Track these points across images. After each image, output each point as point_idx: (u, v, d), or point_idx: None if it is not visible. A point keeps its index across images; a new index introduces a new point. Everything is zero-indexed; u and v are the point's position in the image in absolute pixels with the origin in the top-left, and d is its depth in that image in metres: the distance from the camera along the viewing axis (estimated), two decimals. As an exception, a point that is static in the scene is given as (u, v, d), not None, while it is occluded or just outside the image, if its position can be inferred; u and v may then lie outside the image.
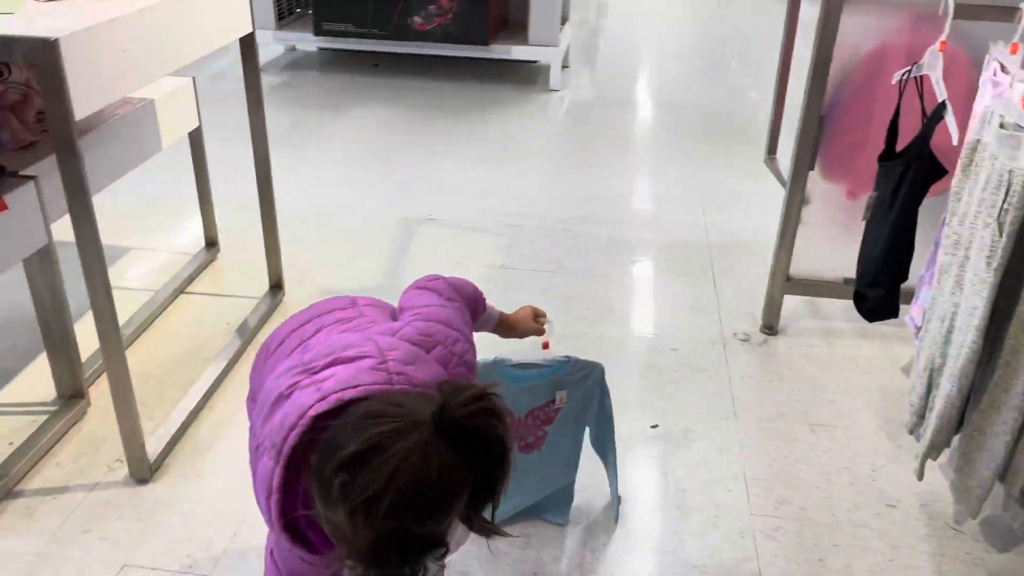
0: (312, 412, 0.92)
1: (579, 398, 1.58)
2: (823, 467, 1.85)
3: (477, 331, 1.35)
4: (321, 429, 0.90)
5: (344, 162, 3.43)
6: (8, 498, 1.66)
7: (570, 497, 1.68)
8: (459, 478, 0.84)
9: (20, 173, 1.64)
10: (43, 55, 1.32)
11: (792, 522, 1.69)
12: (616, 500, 1.68)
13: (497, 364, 1.50)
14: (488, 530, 0.92)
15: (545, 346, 1.53)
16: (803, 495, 1.76)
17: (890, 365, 2.20)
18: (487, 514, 0.91)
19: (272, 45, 4.71)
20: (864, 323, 2.12)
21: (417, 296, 1.20)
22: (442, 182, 3.23)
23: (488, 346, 1.43)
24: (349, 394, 0.92)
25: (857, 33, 1.96)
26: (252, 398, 1.19)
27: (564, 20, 4.60)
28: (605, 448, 1.66)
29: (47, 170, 1.66)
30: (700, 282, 2.57)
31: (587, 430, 1.64)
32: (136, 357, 2.09)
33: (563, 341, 1.74)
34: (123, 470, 1.73)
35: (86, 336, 1.87)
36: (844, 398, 2.07)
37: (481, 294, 1.35)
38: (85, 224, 1.51)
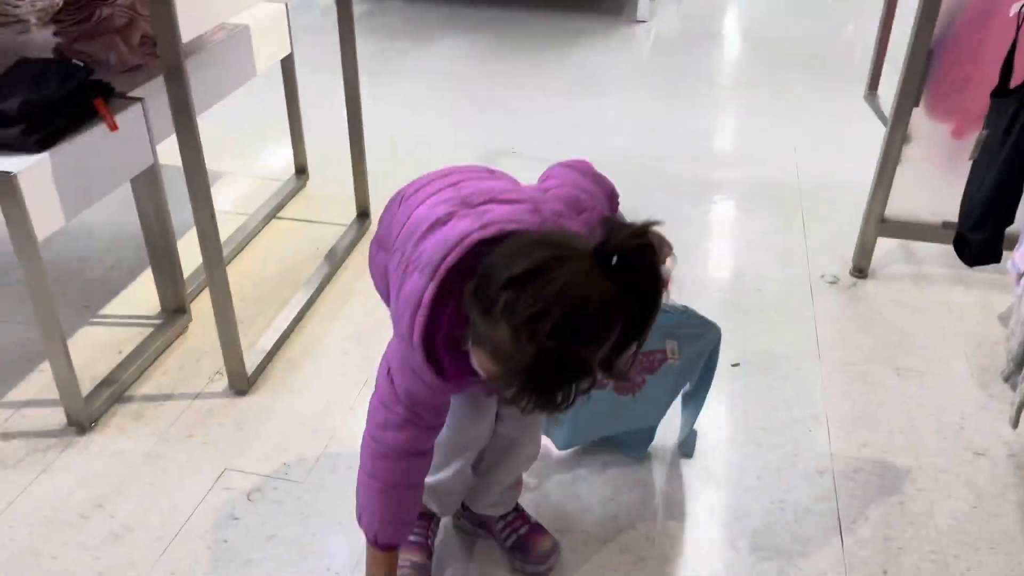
0: (475, 237, 0.96)
1: (690, 355, 1.52)
2: (909, 412, 1.81)
3: None
4: (478, 255, 0.93)
5: (427, 93, 3.43)
6: (119, 402, 1.78)
7: (651, 437, 1.68)
8: (615, 310, 0.87)
9: (127, 95, 1.71)
10: (153, -24, 1.36)
11: (873, 464, 1.68)
12: (692, 435, 1.69)
13: None
14: (622, 375, 0.96)
15: (665, 284, 1.46)
16: (885, 438, 1.74)
17: (986, 313, 2.12)
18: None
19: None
20: (960, 269, 2.05)
21: (564, 171, 1.21)
22: (525, 115, 3.21)
23: None
24: (510, 227, 0.96)
25: (976, -40, 1.84)
26: (378, 242, 1.23)
27: (655, -52, 4.44)
28: (695, 405, 1.64)
29: (152, 92, 1.72)
30: (788, 223, 2.52)
31: (686, 386, 1.61)
32: (231, 278, 2.18)
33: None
34: (223, 382, 1.83)
35: (187, 255, 1.97)
36: (935, 344, 2.02)
37: (617, 195, 1.31)
38: (190, 144, 1.57)
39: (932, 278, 2.26)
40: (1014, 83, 1.67)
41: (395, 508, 1.18)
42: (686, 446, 1.69)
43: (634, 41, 4.11)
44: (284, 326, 1.97)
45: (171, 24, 1.42)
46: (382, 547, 1.21)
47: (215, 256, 1.69)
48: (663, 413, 1.63)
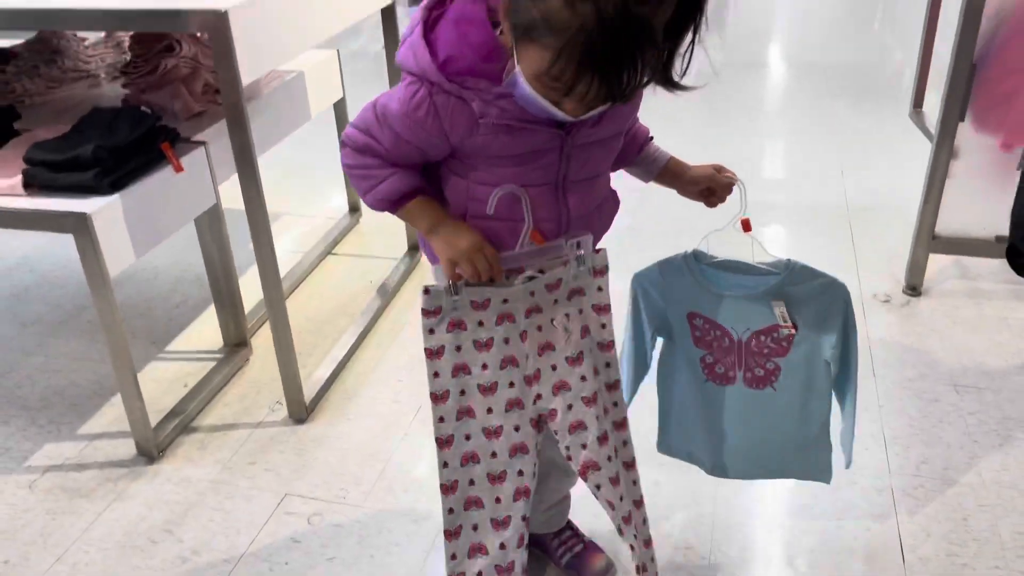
0: None
1: (812, 320, 1.23)
2: (968, 428, 1.78)
3: (637, 175, 1.29)
4: None
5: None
6: (185, 432, 1.85)
7: (826, 446, 1.33)
8: None
9: (191, 139, 1.81)
10: (214, 24, 1.45)
11: (934, 481, 1.65)
12: (848, 434, 1.33)
13: (695, 260, 1.25)
14: (671, 83, 0.98)
15: (745, 225, 1.21)
16: (945, 455, 1.71)
17: (1047, 327, 2.08)
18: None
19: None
20: (1018, 284, 2.02)
21: None
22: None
23: (675, 237, 1.30)
24: None
25: (1015, -27, 1.85)
26: None
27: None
28: (844, 390, 1.29)
29: (214, 136, 1.82)
30: (838, 243, 2.50)
31: (830, 368, 1.26)
32: (289, 312, 2.26)
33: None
34: (282, 411, 1.89)
35: (247, 291, 2.05)
36: (994, 360, 1.98)
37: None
38: (251, 185, 1.65)
39: (988, 294, 2.22)
40: (1060, 92, 1.66)
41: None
42: (844, 448, 1.34)
43: (676, 69, 4.14)
44: (340, 356, 2.04)
45: (232, 66, 1.51)
46: (407, 196, 1.11)
47: (275, 292, 1.76)
48: (827, 406, 1.29)
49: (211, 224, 1.93)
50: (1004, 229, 1.92)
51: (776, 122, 3.51)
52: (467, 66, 1.00)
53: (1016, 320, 2.11)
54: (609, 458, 1.16)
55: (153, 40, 1.94)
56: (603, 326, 1.15)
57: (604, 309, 1.15)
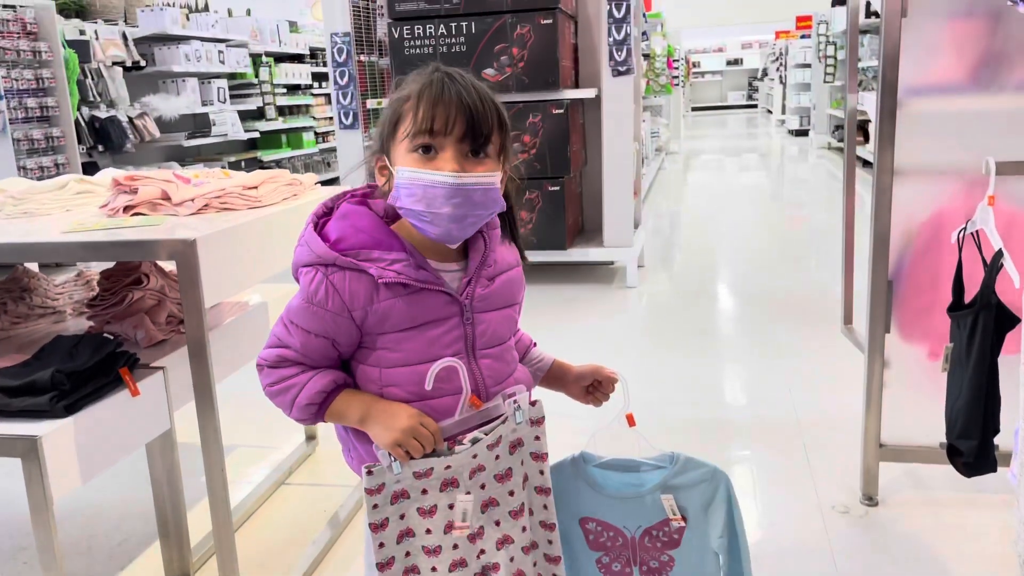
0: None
1: (699, 511, 1.29)
2: (944, 640, 1.72)
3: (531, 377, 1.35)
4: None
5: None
6: None
7: None
8: None
9: (151, 365, 1.84)
10: (183, 252, 1.55)
11: None
12: None
13: (582, 461, 1.31)
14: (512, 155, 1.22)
15: (630, 420, 1.28)
16: (925, 670, 1.64)
17: (1003, 532, 2.08)
18: None
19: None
20: (971, 492, 2.05)
21: None
22: (527, 375, 3.35)
23: (558, 431, 1.33)
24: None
25: (912, 201, 2.07)
26: None
27: (637, 224, 4.89)
28: None
29: (174, 363, 1.86)
30: (792, 458, 2.54)
31: (719, 558, 1.32)
32: (240, 542, 2.17)
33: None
34: (224, 651, 1.76)
35: (195, 523, 1.99)
36: (959, 569, 1.96)
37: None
38: (208, 413, 1.68)
39: (943, 502, 2.24)
40: (968, 298, 1.80)
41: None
42: None
43: (627, 304, 4.38)
44: (292, 586, 1.94)
45: (197, 299, 1.58)
46: (332, 393, 1.18)
47: (225, 528, 1.73)
48: None
49: (163, 451, 1.92)
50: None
51: (723, 347, 3.67)
52: (359, 242, 1.14)
53: (972, 527, 2.11)
54: None
55: (122, 275, 2.03)
56: (541, 472, 1.22)
57: (542, 457, 1.22)
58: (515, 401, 1.18)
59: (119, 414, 1.69)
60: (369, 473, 1.12)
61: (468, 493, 1.15)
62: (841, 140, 9.70)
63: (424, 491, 1.14)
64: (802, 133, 13.49)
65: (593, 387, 1.37)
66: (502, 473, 1.18)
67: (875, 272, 2.13)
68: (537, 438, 1.21)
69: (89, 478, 1.62)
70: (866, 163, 8.92)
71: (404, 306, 1.13)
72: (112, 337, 1.77)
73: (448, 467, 1.14)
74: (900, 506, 2.23)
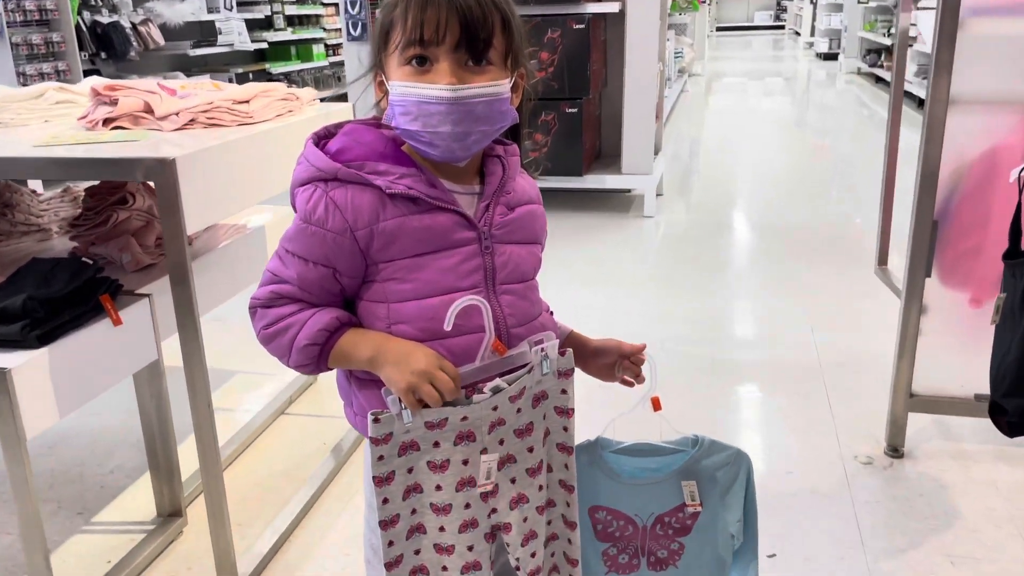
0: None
1: (717, 496, 1.21)
2: (971, 605, 1.63)
3: None
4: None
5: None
6: (101, 618, 1.64)
7: None
8: None
9: (136, 292, 1.72)
10: (161, 172, 1.41)
11: (940, 669, 1.48)
12: None
13: (598, 448, 1.20)
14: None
15: (655, 403, 1.15)
16: (950, 637, 1.55)
17: (1038, 491, 1.97)
18: None
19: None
20: (1003, 444, 1.93)
21: None
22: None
23: (583, 413, 1.17)
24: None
25: (966, 134, 1.89)
26: None
27: (657, 150, 4.68)
28: (745, 561, 1.27)
29: (163, 289, 1.73)
30: (814, 403, 2.42)
31: (733, 538, 1.25)
32: (235, 476, 2.10)
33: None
34: (214, 591, 1.69)
35: (189, 455, 1.89)
36: (987, 527, 1.85)
37: None
38: (191, 340, 1.56)
39: (973, 455, 2.12)
40: (1025, 247, 1.64)
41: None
42: None
43: (643, 234, 4.22)
44: (284, 526, 1.86)
45: (178, 223, 1.45)
46: (335, 333, 1.03)
47: (212, 456, 1.62)
48: None
49: (151, 382, 1.81)
50: (984, 387, 1.85)
51: (741, 282, 3.52)
52: (363, 154, 1.01)
53: (1005, 484, 2.00)
54: (553, 554, 1.14)
55: (107, 192, 1.89)
56: (565, 428, 1.10)
57: (568, 412, 1.09)
58: (542, 349, 1.04)
59: (99, 344, 1.57)
60: (376, 421, 0.98)
61: (486, 451, 1.02)
62: (873, 65, 9.29)
63: (436, 443, 1.01)
64: (831, 57, 13.00)
65: (619, 365, 1.19)
66: (522, 428, 1.05)
67: (919, 211, 1.96)
68: (564, 391, 1.08)
69: (67, 412, 1.51)
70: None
71: (414, 226, 1.00)
72: (92, 262, 1.64)
73: (464, 419, 1.00)
74: (927, 459, 2.12)
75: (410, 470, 1.01)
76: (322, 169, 0.99)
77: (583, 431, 1.19)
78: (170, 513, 1.91)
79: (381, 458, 1.00)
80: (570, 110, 4.27)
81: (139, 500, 2.00)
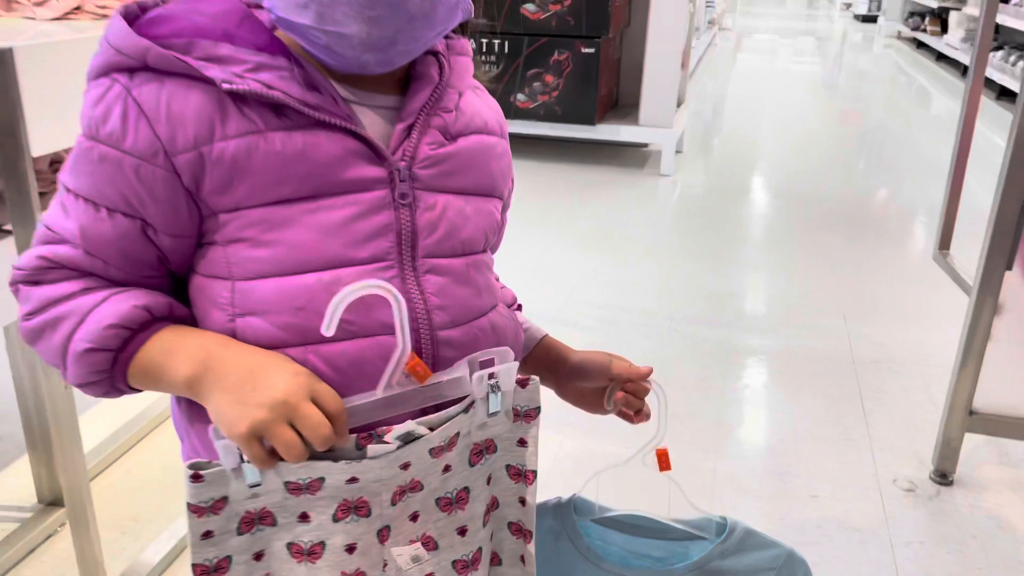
0: None
1: None
2: None
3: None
4: None
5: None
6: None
7: None
8: None
9: (3, 227, 1.35)
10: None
11: None
12: None
13: (572, 513, 0.82)
14: None
15: (662, 459, 0.77)
16: None
17: (1121, 542, 1.60)
18: None
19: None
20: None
21: None
22: (530, 267, 2.84)
23: (549, 455, 0.86)
24: None
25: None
26: None
27: (680, 103, 4.24)
28: None
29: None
30: (844, 407, 2.04)
31: None
32: (139, 460, 1.75)
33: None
34: (82, 612, 1.34)
35: (93, 431, 1.55)
36: (1059, 586, 1.49)
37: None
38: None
39: (1040, 489, 1.75)
40: None
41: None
42: None
43: (657, 194, 3.80)
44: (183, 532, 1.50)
45: (18, 152, 1.06)
46: (140, 329, 0.63)
47: (70, 431, 1.26)
48: None
49: (23, 344, 1.44)
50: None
51: (764, 255, 3.12)
52: (195, 28, 0.60)
53: (1078, 528, 1.64)
54: None
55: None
56: (522, 501, 0.69)
57: (527, 476, 0.69)
58: (492, 375, 0.65)
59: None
60: (196, 479, 0.59)
61: (388, 533, 0.64)
62: (915, 29, 8.71)
63: (304, 516, 0.62)
64: (870, 19, 12.35)
65: (611, 392, 0.79)
66: (451, 498, 0.66)
67: (1006, 192, 1.57)
68: (522, 442, 0.69)
69: None
70: (940, 56, 8.00)
71: (276, 151, 0.60)
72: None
73: (353, 480, 0.62)
74: (982, 490, 1.75)
75: (258, 556, 0.63)
76: (124, 51, 0.59)
77: (551, 485, 0.79)
78: (51, 501, 1.56)
79: (208, 535, 0.61)
80: (586, 50, 3.82)
81: (20, 483, 1.64)
